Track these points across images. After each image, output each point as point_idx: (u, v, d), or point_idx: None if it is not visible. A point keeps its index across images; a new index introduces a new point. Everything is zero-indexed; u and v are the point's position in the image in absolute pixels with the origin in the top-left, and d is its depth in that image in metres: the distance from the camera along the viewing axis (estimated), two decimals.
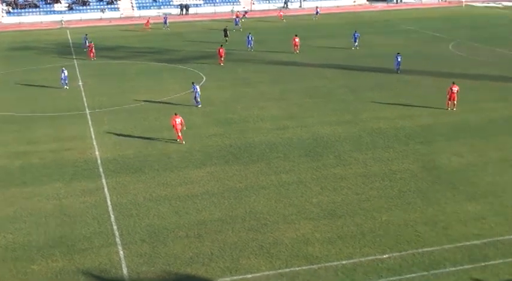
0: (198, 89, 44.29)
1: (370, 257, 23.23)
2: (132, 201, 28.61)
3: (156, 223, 26.35)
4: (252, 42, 67.18)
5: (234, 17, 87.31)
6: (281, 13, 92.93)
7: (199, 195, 29.13)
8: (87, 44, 67.79)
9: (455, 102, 41.76)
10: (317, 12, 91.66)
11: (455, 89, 41.47)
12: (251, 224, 26.07)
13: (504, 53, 61.79)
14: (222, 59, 59.37)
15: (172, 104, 45.16)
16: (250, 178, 31.09)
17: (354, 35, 67.03)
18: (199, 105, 44.03)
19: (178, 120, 36.23)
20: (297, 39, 64.45)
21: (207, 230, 25.61)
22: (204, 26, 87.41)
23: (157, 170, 32.37)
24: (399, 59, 53.61)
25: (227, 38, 71.83)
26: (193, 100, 44.41)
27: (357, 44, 66.47)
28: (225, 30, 73.18)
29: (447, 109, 42.00)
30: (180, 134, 36.37)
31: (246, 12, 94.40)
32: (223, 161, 33.50)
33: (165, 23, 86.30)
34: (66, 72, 51.14)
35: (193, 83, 45.65)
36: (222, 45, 62.28)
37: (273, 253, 23.75)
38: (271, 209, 27.53)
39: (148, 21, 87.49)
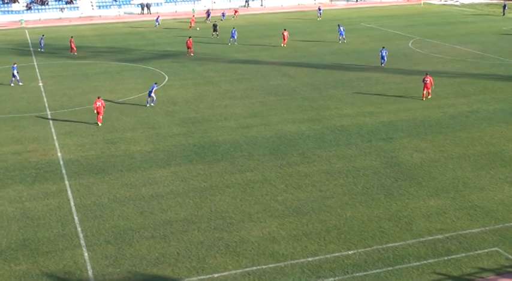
0: (154, 89, 44.21)
1: (335, 254, 23.44)
2: (96, 202, 28.35)
3: (121, 224, 26.16)
4: (236, 36, 70.00)
5: (222, 12, 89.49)
6: (237, 12, 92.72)
7: (164, 195, 29.01)
8: (42, 44, 68.51)
9: (429, 91, 44.44)
10: (320, 12, 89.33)
11: (427, 79, 44.11)
12: (217, 224, 26.08)
13: (462, 50, 62.83)
14: (191, 50, 62.96)
15: (134, 104, 44.86)
16: (215, 177, 31.07)
17: (339, 29, 69.25)
18: (150, 105, 44.20)
19: (99, 103, 39.39)
20: (285, 33, 67.39)
21: (173, 230, 25.54)
22: (165, 25, 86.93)
23: (121, 171, 32.13)
24: (384, 53, 55.61)
25: (217, 33, 74.12)
26: (149, 98, 44.33)
27: (343, 36, 68.86)
28: (214, 26, 75.01)
29: (423, 99, 44.22)
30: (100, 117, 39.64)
31: (208, 10, 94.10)
32: (187, 161, 33.41)
33: (157, 21, 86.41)
34: (16, 69, 51.47)
35: (156, 83, 45.84)
36: (190, 37, 64.95)
37: (239, 251, 23.79)
38: (236, 207, 27.57)
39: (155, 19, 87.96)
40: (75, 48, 66.23)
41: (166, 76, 53.97)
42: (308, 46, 67.46)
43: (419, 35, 72.09)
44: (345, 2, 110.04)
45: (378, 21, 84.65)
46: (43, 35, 70.93)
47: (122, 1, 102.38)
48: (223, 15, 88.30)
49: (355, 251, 23.64)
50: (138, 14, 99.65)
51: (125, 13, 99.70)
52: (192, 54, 63.22)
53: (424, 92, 44.45)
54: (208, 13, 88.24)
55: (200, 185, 30.17)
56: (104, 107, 40.29)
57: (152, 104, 44.43)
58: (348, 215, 26.62)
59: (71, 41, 66.61)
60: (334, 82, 50.31)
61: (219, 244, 24.35)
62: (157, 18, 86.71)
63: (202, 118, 41.19)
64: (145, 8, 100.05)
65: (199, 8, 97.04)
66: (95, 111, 39.80)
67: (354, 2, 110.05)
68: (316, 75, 53.08)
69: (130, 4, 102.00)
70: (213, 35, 74.18)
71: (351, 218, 26.28)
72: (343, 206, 27.49)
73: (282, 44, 67.15)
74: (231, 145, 35.85)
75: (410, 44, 66.63)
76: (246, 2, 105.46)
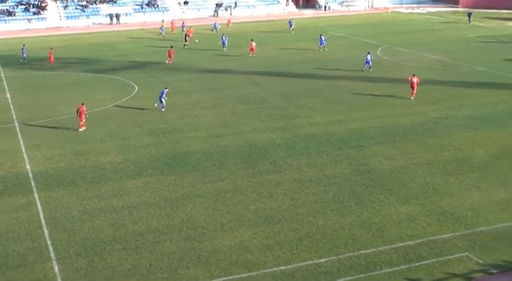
0: (164, 94, 45.28)
1: (308, 262, 23.48)
2: (66, 215, 28.03)
3: (91, 236, 25.90)
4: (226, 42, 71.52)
5: (214, 22, 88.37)
6: (229, 22, 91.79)
7: (135, 206, 28.81)
8: (25, 54, 67.75)
9: (414, 91, 46.77)
10: (291, 25, 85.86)
11: (414, 80, 46.62)
12: (189, 234, 25.96)
13: (430, 57, 63.61)
14: (171, 58, 63.87)
15: (104, 115, 44.54)
16: (186, 187, 30.96)
17: (321, 38, 69.85)
18: (161, 110, 45.12)
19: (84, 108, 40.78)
20: (253, 44, 67.18)
21: (144, 242, 25.36)
22: (134, 35, 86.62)
23: (91, 183, 31.84)
24: (369, 58, 57.07)
25: (187, 43, 74.45)
26: (160, 103, 45.28)
27: (324, 45, 69.64)
28: (186, 35, 75.70)
29: (411, 98, 46.60)
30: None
31: (181, 21, 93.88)
32: (158, 171, 33.24)
33: (161, 29, 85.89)
34: None
35: (166, 88, 46.67)
36: (172, 47, 66.02)
37: (211, 261, 23.70)
38: (208, 217, 27.48)
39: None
40: (53, 60, 65.36)
41: (136, 86, 53.69)
42: (278, 55, 67.72)
43: (388, 43, 72.83)
44: (313, 11, 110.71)
45: (347, 30, 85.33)
46: (24, 45, 69.85)
47: (91, 12, 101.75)
48: (215, 26, 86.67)
49: (328, 259, 23.70)
50: (107, 24, 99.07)
51: (93, 24, 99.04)
52: (169, 62, 63.79)
53: (414, 91, 46.76)
54: (183, 25, 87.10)
55: (171, 195, 30.02)
56: (84, 114, 40.84)
57: (162, 110, 44.81)
58: (319, 223, 26.69)
59: (50, 52, 65.74)
60: (305, 91, 50.54)
61: (191, 254, 24.24)
62: (161, 27, 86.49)
63: (173, 128, 41.05)
64: (114, 19, 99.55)
65: (168, 18, 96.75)
66: (82, 117, 40.68)
67: (322, 11, 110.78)
68: (287, 84, 53.27)
69: (99, 15, 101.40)
70: (184, 45, 73.98)
71: (322, 226, 26.36)
72: (315, 214, 27.56)
73: (250, 54, 67.03)
74: (202, 154, 35.76)
75: (379, 52, 67.25)
76: (215, 11, 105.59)
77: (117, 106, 47.13)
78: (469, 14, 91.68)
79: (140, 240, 25.51)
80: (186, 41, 74.71)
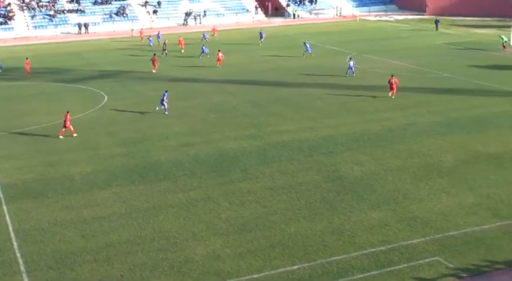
0: (165, 97, 46.73)
1: (280, 269, 23.52)
2: (35, 227, 27.70)
3: (62, 248, 25.64)
4: (206, 50, 71.67)
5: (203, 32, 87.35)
6: (215, 31, 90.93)
7: (106, 217, 28.59)
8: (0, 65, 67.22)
9: (393, 91, 49.53)
10: (261, 36, 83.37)
11: (392, 80, 49.48)
12: (160, 244, 25.84)
13: (398, 64, 64.26)
14: (155, 66, 63.45)
15: (74, 125, 44.11)
16: (158, 197, 30.83)
17: (305, 46, 70.28)
18: (166, 113, 46.47)
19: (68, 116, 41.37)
20: (220, 54, 66.43)
21: (116, 253, 25.17)
22: (104, 45, 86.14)
23: (61, 194, 31.53)
24: (351, 64, 58.37)
25: (166, 52, 74.14)
26: (162, 106, 46.58)
27: (310, 52, 70.07)
28: (164, 44, 75.22)
29: (390, 97, 49.43)
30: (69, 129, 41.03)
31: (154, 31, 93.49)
32: (129, 181, 33.05)
33: (158, 37, 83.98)
34: None
35: (166, 91, 47.84)
36: (155, 54, 65.78)
37: (184, 271, 23.62)
38: (180, 227, 27.39)
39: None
40: (29, 70, 64.60)
41: (105, 96, 53.36)
42: (248, 63, 67.87)
43: (357, 51, 73.42)
44: (282, 19, 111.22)
45: (316, 38, 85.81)
46: None
47: (59, 21, 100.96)
48: (204, 36, 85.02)
49: (300, 266, 23.77)
50: (76, 34, 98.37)
51: (61, 33, 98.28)
52: (154, 70, 63.52)
53: (391, 92, 49.49)
54: (158, 34, 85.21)
55: (143, 205, 29.87)
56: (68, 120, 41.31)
57: (166, 113, 45.93)
58: (291, 230, 26.77)
59: (26, 63, 65.00)
60: (275, 98, 50.72)
61: (163, 265, 24.13)
62: (158, 34, 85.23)
63: (143, 138, 40.87)
64: (83, 28, 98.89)
65: (137, 28, 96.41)
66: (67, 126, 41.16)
67: (291, 19, 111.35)
68: (257, 92, 53.41)
69: (67, 24, 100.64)
70: (162, 53, 73.57)
71: (295, 233, 26.44)
72: (287, 221, 27.64)
73: (216, 65, 66.26)
74: (173, 164, 35.65)
75: (347, 60, 67.66)
76: (184, 20, 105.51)
77: (87, 116, 46.76)
78: (436, 21, 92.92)
79: (111, 251, 25.32)
80: (164, 49, 74.17)
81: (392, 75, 50.32)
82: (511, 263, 23.68)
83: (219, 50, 67.88)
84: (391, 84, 49.52)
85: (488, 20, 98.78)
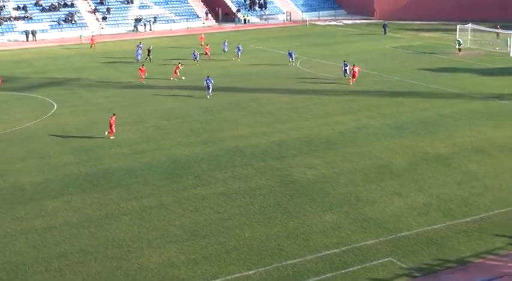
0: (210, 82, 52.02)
1: (236, 275, 23.53)
2: None
3: (13, 260, 25.13)
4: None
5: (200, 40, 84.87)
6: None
7: (57, 227, 28.14)
8: None
9: (354, 79, 56.00)
10: (239, 52, 75.21)
11: (356, 69, 56.19)
12: (114, 252, 25.56)
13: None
14: (143, 77, 60.63)
15: (23, 134, 43.36)
16: (110, 205, 30.49)
17: (290, 54, 69.41)
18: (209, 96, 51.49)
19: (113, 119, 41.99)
20: (180, 67, 62.91)
21: (68, 263, 24.80)
22: (52, 52, 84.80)
23: (11, 204, 30.90)
24: (346, 67, 59.36)
25: (150, 58, 72.37)
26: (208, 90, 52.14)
27: (293, 59, 69.14)
28: (149, 50, 73.40)
29: (350, 84, 55.45)
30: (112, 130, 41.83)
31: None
32: (80, 190, 32.61)
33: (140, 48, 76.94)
34: None
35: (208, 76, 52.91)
36: (143, 65, 63.35)
37: (139, 279, 23.41)
38: (134, 235, 27.14)
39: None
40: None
41: (55, 104, 52.50)
42: (199, 69, 67.63)
43: (307, 56, 73.99)
44: (233, 25, 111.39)
45: (267, 43, 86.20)
46: None
47: (5, 28, 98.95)
48: (195, 55, 74.77)
49: (256, 270, 23.82)
50: (23, 41, 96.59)
51: (8, 41, 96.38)
52: (143, 81, 60.15)
53: (353, 79, 56.00)
54: (139, 45, 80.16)
55: (95, 214, 29.50)
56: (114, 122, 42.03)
57: (208, 97, 52.20)
58: (246, 235, 26.81)
59: None
60: (227, 104, 50.73)
61: (117, 273, 23.87)
62: (138, 50, 76.35)
63: (95, 145, 40.37)
64: (31, 35, 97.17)
65: (86, 34, 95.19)
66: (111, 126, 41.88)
67: (242, 25, 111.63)
68: (209, 98, 53.30)
69: (14, 31, 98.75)
70: (147, 58, 72.39)
71: (249, 238, 26.49)
72: (242, 226, 27.67)
73: (172, 78, 62.07)
74: (126, 171, 35.32)
75: (298, 65, 68.27)
76: (134, 27, 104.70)
77: (37, 125, 45.96)
78: (384, 26, 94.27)
79: (63, 261, 24.93)
80: (148, 55, 72.77)
81: (354, 64, 56.91)
82: (462, 261, 24.22)
83: (179, 63, 63.96)
84: (353, 72, 55.85)
85: (434, 24, 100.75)
